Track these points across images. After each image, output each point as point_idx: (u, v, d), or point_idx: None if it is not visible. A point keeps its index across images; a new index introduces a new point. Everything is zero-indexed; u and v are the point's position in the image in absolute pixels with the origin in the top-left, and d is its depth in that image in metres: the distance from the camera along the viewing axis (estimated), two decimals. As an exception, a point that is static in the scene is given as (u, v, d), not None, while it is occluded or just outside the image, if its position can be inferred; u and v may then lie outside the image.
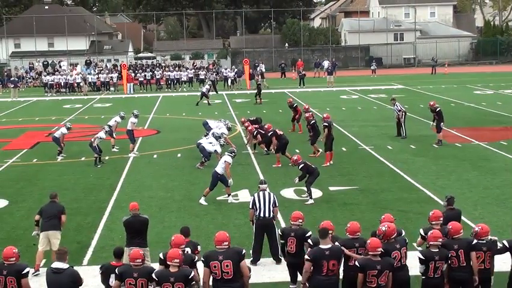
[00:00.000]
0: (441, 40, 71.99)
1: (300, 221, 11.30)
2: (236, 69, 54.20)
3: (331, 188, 18.77)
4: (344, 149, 24.88)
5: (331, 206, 17.08)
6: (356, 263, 9.51)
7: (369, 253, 9.46)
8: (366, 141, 26.54)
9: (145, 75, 53.71)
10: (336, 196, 17.92)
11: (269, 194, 13.22)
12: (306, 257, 9.78)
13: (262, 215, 12.97)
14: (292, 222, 11.37)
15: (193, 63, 63.47)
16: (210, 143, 22.52)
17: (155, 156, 24.16)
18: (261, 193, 13.19)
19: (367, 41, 72.17)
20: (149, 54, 75.87)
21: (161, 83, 53.47)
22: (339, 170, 21.23)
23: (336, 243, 9.93)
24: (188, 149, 25.59)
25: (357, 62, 71.88)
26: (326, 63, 60.64)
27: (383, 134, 28.00)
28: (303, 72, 53.44)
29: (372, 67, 61.92)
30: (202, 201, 17.53)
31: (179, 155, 24.70)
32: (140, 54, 77.36)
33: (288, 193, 18.40)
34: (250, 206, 13.13)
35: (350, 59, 72.35)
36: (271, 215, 13.03)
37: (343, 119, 32.18)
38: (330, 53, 70.88)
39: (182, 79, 53.00)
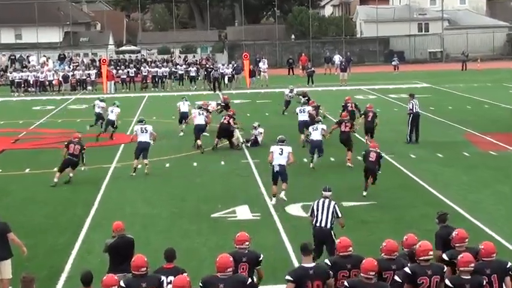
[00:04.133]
0: (472, 31, 72.03)
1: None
2: (234, 65, 54.26)
3: (345, 204, 18.71)
4: (359, 157, 24.79)
5: (346, 224, 16.98)
6: (345, 283, 9.59)
7: (362, 275, 9.53)
8: (385, 148, 26.39)
9: (128, 72, 53.72)
10: (352, 213, 17.89)
11: (329, 203, 13.83)
12: (288, 277, 9.82)
13: (319, 224, 13.67)
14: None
15: (184, 57, 63.51)
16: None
17: (139, 166, 24.11)
18: (321, 200, 13.87)
19: (386, 32, 72.22)
20: (133, 48, 76.01)
21: (147, 81, 53.49)
22: (354, 182, 21.16)
23: (325, 260, 10.12)
24: (178, 158, 25.58)
25: (374, 57, 71.94)
26: (337, 58, 60.73)
27: (405, 140, 27.95)
28: (312, 68, 53.46)
29: (393, 62, 62.03)
30: (274, 201, 18.81)
31: (167, 164, 24.69)
32: (123, 48, 77.51)
33: (295, 210, 18.42)
34: (309, 214, 13.97)
35: (366, 53, 72.42)
36: (330, 226, 13.66)
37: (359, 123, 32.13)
38: (344, 46, 70.94)
39: (183, 72, 52.86)
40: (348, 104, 29.33)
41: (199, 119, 27.03)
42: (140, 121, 23.90)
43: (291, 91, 37.05)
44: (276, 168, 19.07)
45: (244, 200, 19.41)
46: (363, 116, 26.84)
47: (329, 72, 61.01)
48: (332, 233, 13.68)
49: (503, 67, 62.24)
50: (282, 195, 19.05)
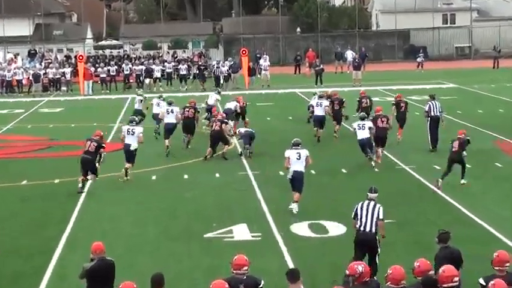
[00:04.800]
0: (505, 23, 72.16)
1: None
2: (231, 63, 54.35)
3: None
4: (376, 169, 24.89)
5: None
6: None
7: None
8: (405, 158, 26.53)
9: (108, 70, 53.81)
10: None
11: (375, 205, 14.40)
12: None
13: (363, 228, 14.24)
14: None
15: (173, 53, 63.59)
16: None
17: (119, 179, 24.14)
18: (365, 202, 14.50)
19: (406, 25, 72.38)
20: (115, 42, 76.13)
21: (130, 81, 53.55)
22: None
23: None
24: (166, 169, 25.66)
25: (392, 53, 72.12)
26: (350, 54, 60.83)
27: (427, 149, 28.00)
28: (321, 65, 53.55)
29: (418, 59, 62.13)
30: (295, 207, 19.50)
31: (154, 176, 24.73)
32: (103, 42, 77.66)
33: (302, 229, 18.43)
34: (353, 216, 14.54)
35: (383, 49, 72.62)
36: (375, 230, 14.21)
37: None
38: (357, 40, 71.15)
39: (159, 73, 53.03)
40: (362, 101, 30.80)
41: (168, 117, 28.12)
42: (131, 121, 24.78)
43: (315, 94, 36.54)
44: (292, 175, 19.69)
45: (242, 217, 19.41)
46: (394, 107, 29.48)
47: (340, 71, 61.12)
48: (377, 239, 14.28)
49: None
50: (293, 206, 19.55)
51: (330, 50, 68.84)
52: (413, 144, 28.95)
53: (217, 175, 24.64)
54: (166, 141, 27.93)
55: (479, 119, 34.46)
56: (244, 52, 54.59)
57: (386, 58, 71.41)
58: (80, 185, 22.43)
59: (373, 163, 25.13)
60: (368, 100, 31.38)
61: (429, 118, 27.83)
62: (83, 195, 22.31)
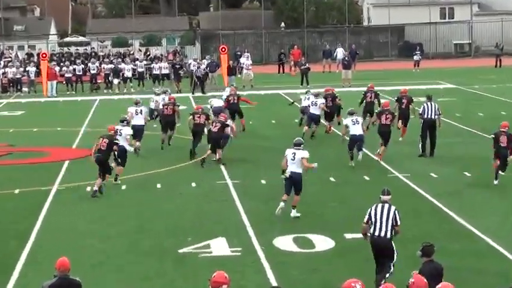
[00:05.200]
0: (509, 18, 72.39)
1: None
2: (209, 61, 54.33)
3: (348, 236, 18.76)
4: (366, 177, 24.89)
5: (347, 261, 17.03)
6: None
7: None
8: (399, 166, 26.53)
9: (74, 70, 53.66)
10: (355, 247, 17.87)
11: (389, 208, 14.78)
12: None
13: (377, 233, 14.65)
14: None
15: (146, 51, 63.47)
16: None
17: (87, 188, 24.07)
18: (379, 205, 14.90)
19: (401, 20, 72.62)
20: (81, 39, 75.92)
21: (97, 81, 53.40)
22: (359, 209, 21.09)
23: None
24: (137, 178, 25.58)
25: (385, 50, 72.38)
26: (340, 52, 60.85)
27: (425, 156, 27.99)
28: (307, 64, 53.57)
29: (415, 57, 62.24)
30: (281, 205, 19.98)
31: (124, 186, 24.64)
32: (68, 39, 77.41)
33: (286, 243, 18.36)
34: (365, 220, 14.94)
35: (375, 46, 72.85)
36: (390, 235, 14.63)
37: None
38: (347, 36, 71.28)
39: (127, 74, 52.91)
40: (367, 94, 32.27)
41: (136, 118, 28.80)
42: (121, 121, 25.77)
43: (308, 93, 36.98)
44: (290, 175, 20.23)
45: (220, 231, 19.34)
46: (397, 104, 30.39)
47: (328, 70, 61.15)
48: (393, 244, 14.65)
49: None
50: (294, 213, 20.24)
51: (318, 47, 69.05)
52: (408, 150, 28.95)
53: (193, 184, 24.58)
54: (137, 143, 28.32)
55: (480, 123, 34.53)
56: (223, 50, 54.53)
57: (378, 56, 71.62)
58: (95, 187, 23.00)
59: (353, 163, 26.12)
60: (373, 94, 32.50)
61: (422, 121, 27.89)
62: (46, 207, 22.19)
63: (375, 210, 14.87)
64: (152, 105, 33.21)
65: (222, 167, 26.62)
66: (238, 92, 34.72)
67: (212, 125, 27.04)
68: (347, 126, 26.18)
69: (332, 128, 32.43)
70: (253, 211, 21.14)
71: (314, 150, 29.14)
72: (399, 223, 14.73)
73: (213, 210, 21.44)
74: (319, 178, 24.09)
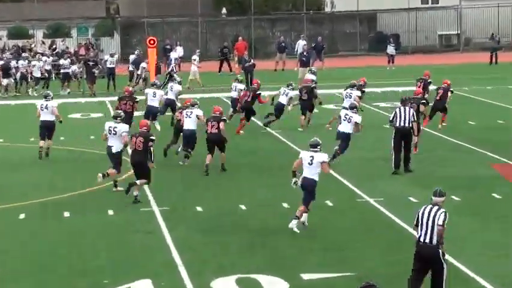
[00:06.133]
0: (507, 2, 72.81)
1: None
2: (134, 56, 54.16)
3: (305, 276, 18.68)
4: (329, 203, 24.70)
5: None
6: None
7: None
8: (369, 188, 26.50)
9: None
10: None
11: (438, 210, 15.80)
12: None
13: (423, 239, 15.77)
14: None
15: (51, 44, 63.27)
16: None
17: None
18: (428, 207, 15.97)
19: (372, 5, 72.97)
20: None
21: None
22: (322, 241, 21.19)
23: None
24: (40, 204, 25.43)
25: (353, 43, 73.02)
26: (301, 46, 60.35)
27: (400, 174, 28.02)
28: (252, 61, 53.45)
29: (388, 50, 62.59)
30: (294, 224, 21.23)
31: (22, 215, 24.44)
32: None
33: (227, 286, 18.28)
34: (415, 223, 16.08)
35: (340, 38, 73.41)
36: (436, 242, 15.60)
37: (328, 148, 32.08)
38: (305, 25, 71.65)
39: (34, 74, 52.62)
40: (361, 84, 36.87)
41: (43, 114, 30.90)
42: (114, 117, 26.97)
43: (289, 86, 38.00)
44: (302, 182, 21.38)
45: (145, 270, 19.22)
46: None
47: (281, 68, 61.18)
48: (441, 253, 15.63)
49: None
50: (293, 223, 21.31)
51: (268, 39, 69.29)
52: (381, 166, 29.05)
53: (111, 212, 24.49)
54: (42, 142, 30.27)
55: (470, 134, 34.80)
56: (151, 42, 54.23)
57: (344, 50, 72.22)
58: (135, 192, 24.78)
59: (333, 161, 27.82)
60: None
61: (393, 129, 27.82)
62: None
63: (423, 212, 15.84)
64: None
65: (147, 191, 26.35)
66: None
67: (208, 126, 28.24)
68: (339, 117, 28.74)
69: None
70: (186, 246, 21.09)
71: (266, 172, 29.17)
72: (440, 222, 15.55)
73: (135, 245, 21.31)
74: (271, 203, 23.92)
